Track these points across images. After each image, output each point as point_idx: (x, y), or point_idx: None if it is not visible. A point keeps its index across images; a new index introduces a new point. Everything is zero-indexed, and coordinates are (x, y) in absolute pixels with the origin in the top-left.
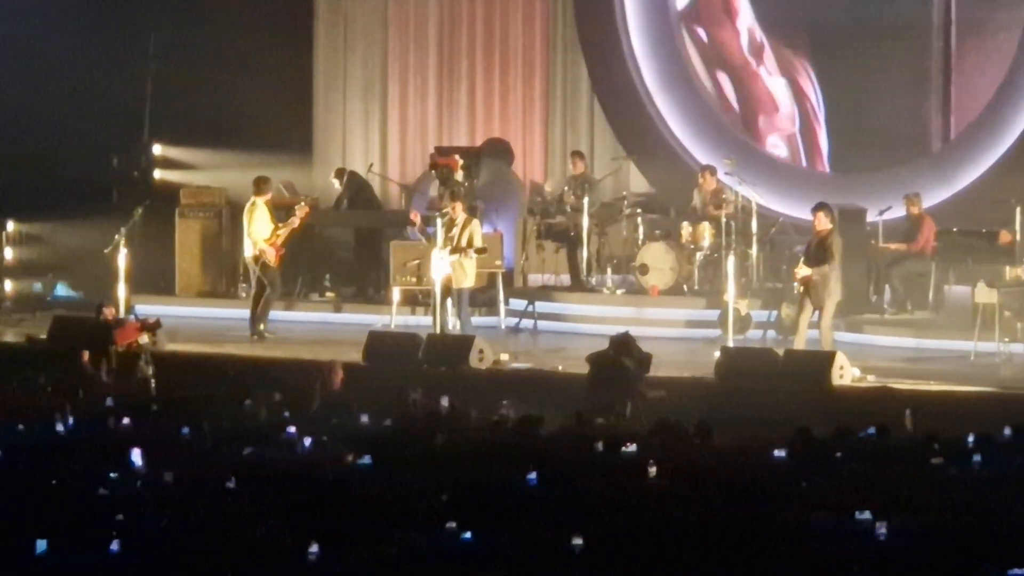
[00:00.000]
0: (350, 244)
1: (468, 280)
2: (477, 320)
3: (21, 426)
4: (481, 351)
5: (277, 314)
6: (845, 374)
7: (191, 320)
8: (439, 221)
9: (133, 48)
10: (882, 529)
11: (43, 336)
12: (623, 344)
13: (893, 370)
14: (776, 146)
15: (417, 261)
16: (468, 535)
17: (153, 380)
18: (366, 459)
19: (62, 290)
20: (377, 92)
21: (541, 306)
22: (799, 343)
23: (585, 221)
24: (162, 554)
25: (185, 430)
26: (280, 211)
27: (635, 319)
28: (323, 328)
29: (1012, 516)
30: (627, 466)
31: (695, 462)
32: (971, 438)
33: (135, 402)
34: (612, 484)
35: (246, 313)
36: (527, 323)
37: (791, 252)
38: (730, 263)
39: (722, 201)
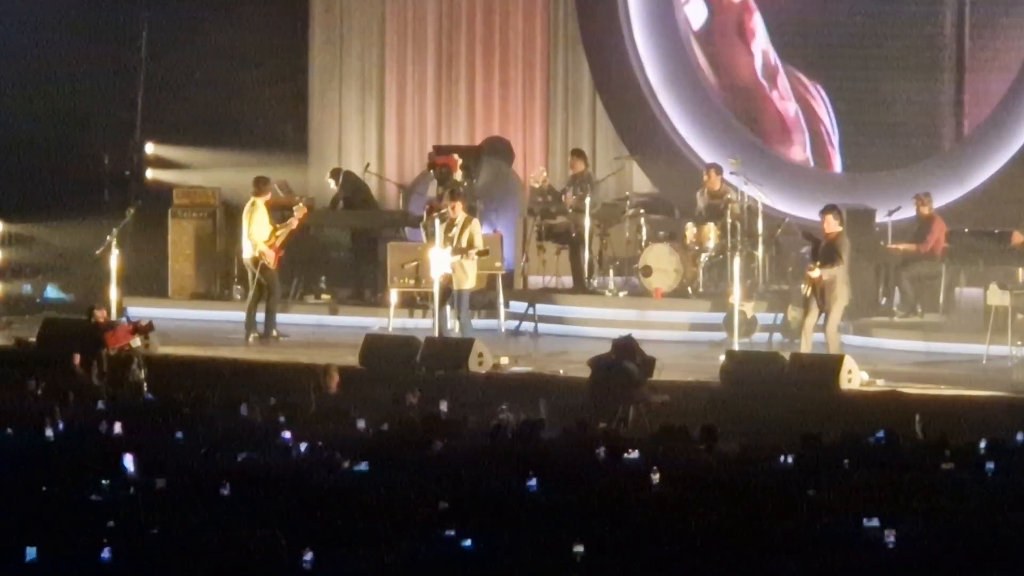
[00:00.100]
0: (346, 245)
1: (469, 281)
2: (477, 323)
3: (10, 431)
4: (480, 354)
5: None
6: (853, 378)
7: (184, 323)
8: (437, 221)
9: (125, 45)
10: (891, 537)
11: (33, 339)
12: (626, 347)
13: (903, 374)
14: None
15: (415, 262)
16: (468, 542)
17: (145, 384)
18: (363, 465)
19: (52, 292)
20: (374, 89)
21: (542, 308)
22: (805, 346)
23: (587, 222)
24: (154, 562)
25: (178, 435)
26: (276, 211)
27: (638, 322)
28: (319, 331)
29: None
30: (630, 472)
31: (699, 468)
32: (983, 444)
33: (127, 406)
34: (614, 491)
35: (240, 315)
36: (527, 326)
37: (797, 253)
38: (735, 265)
39: (726, 202)
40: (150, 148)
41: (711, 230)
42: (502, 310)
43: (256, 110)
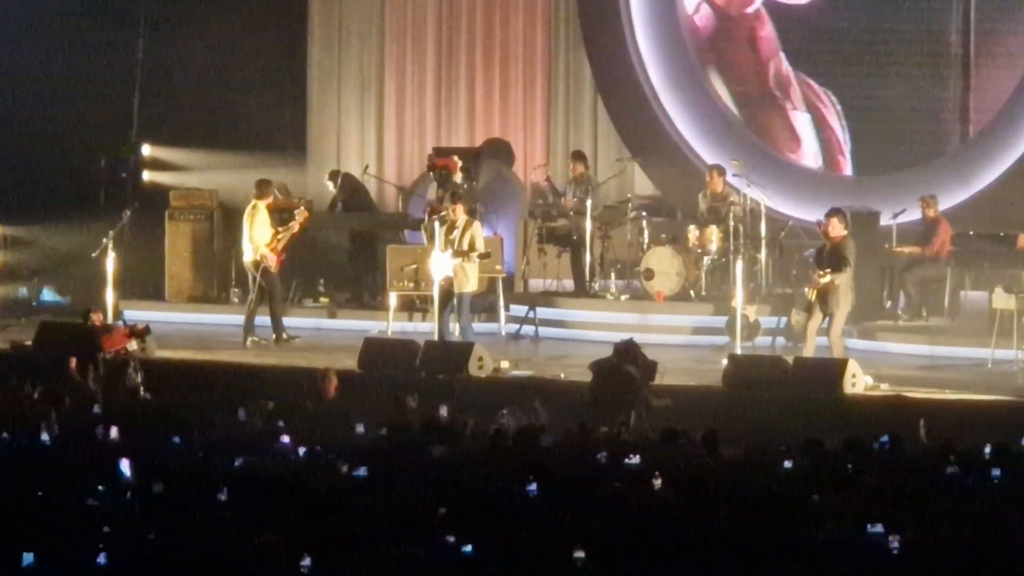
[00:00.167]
0: (345, 248)
1: (471, 285)
2: (476, 326)
3: (6, 435)
4: (480, 358)
5: (268, 319)
6: (857, 382)
7: (181, 326)
8: (437, 224)
9: (121, 46)
10: (895, 543)
11: (28, 342)
12: (627, 351)
13: (907, 378)
14: None
15: (414, 265)
16: (468, 548)
17: (142, 388)
18: (362, 470)
19: (48, 295)
20: (373, 90)
21: (542, 312)
22: (809, 350)
23: (588, 224)
24: (151, 567)
25: (175, 439)
26: (276, 214)
27: (640, 326)
28: (317, 334)
29: None
30: (631, 477)
31: (701, 473)
32: (988, 448)
33: (124, 410)
34: (615, 496)
35: (238, 319)
36: (528, 330)
37: (801, 256)
38: (738, 268)
39: (728, 204)
40: (146, 150)
41: (713, 233)
42: (502, 313)
43: (253, 111)
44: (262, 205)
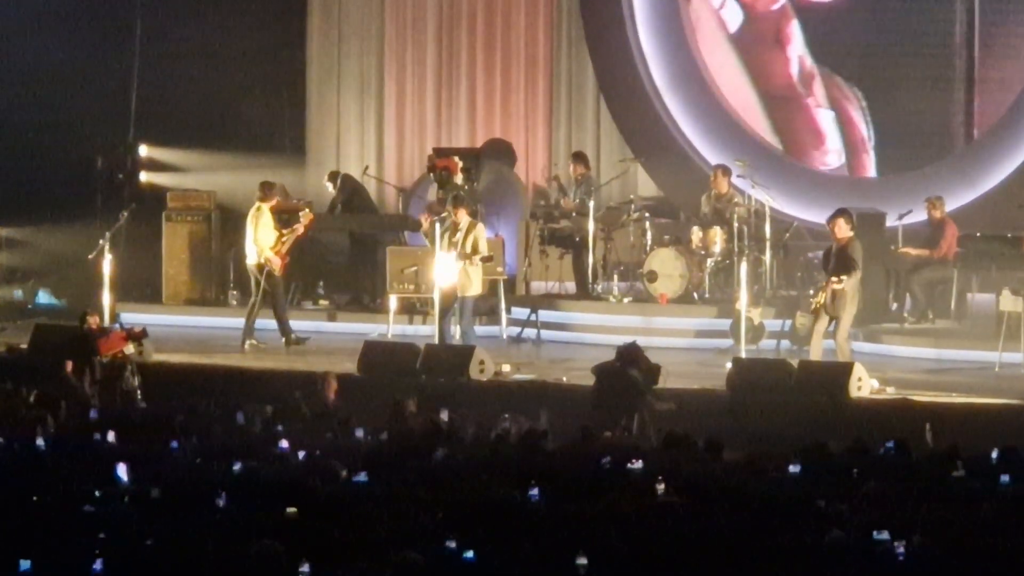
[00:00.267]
0: (345, 250)
1: (474, 288)
2: (478, 329)
3: (1, 440)
4: (482, 362)
5: (269, 323)
6: (863, 386)
7: (179, 329)
8: (438, 227)
9: (118, 46)
10: (901, 549)
11: (24, 345)
12: (630, 354)
13: (913, 382)
14: None
15: (415, 268)
16: (469, 554)
17: (139, 392)
18: (361, 475)
19: (44, 297)
20: (373, 90)
21: (544, 315)
22: (814, 353)
23: (590, 226)
24: (148, 573)
25: (173, 444)
26: (277, 216)
27: (643, 328)
28: (317, 337)
29: None
30: (634, 482)
31: (705, 478)
32: (995, 453)
33: (120, 415)
34: (618, 501)
35: (236, 322)
36: (530, 333)
37: (806, 258)
38: (742, 270)
39: (733, 205)
40: (144, 150)
41: (717, 234)
42: (504, 316)
43: (252, 112)
44: (266, 207)
